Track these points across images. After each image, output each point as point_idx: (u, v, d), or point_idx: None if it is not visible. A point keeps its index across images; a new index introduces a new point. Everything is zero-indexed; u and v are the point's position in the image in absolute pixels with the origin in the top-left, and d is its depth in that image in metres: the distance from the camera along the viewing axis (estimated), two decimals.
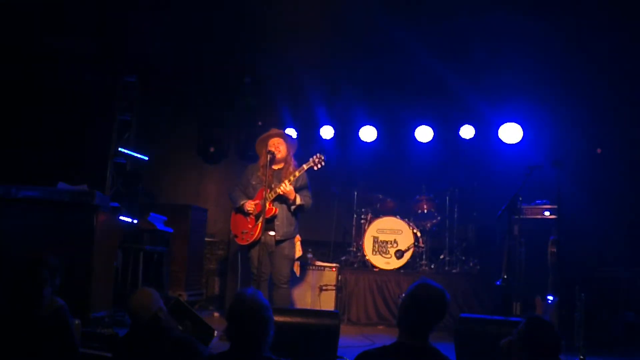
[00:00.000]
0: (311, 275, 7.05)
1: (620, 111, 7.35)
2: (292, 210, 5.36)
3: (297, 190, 5.30)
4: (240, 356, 2.63)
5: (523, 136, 7.78)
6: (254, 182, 5.46)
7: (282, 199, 5.29)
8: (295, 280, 6.84)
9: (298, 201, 5.29)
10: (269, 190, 5.21)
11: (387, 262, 7.18)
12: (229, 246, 8.10)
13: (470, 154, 8.06)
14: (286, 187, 5.17)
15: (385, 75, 7.84)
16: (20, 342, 3.17)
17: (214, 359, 2.75)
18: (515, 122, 7.79)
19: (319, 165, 5.22)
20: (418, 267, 7.28)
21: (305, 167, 5.25)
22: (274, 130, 5.49)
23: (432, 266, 7.36)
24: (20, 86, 7.83)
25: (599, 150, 7.44)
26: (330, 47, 7.08)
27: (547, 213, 6.23)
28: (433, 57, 7.06)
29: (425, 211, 7.54)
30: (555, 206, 6.03)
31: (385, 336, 5.86)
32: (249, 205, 5.34)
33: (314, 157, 5.24)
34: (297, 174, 5.25)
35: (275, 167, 5.42)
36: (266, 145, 5.39)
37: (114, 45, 7.27)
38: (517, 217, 5.53)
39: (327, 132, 8.30)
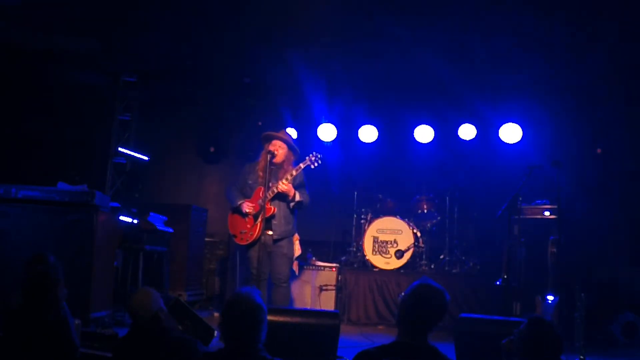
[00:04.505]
0: (311, 275, 7.05)
1: (620, 111, 7.35)
2: (290, 207, 5.37)
3: (294, 188, 5.31)
4: (234, 355, 2.64)
5: (523, 136, 7.78)
6: (250, 182, 5.47)
7: (280, 197, 5.30)
8: (295, 280, 6.84)
9: (297, 197, 5.31)
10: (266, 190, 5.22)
11: (387, 262, 7.17)
12: (229, 246, 8.10)
13: (470, 154, 8.06)
14: (284, 186, 5.18)
15: (386, 75, 7.83)
16: (25, 341, 3.18)
17: (209, 358, 2.76)
18: (515, 122, 7.79)
19: (316, 164, 5.23)
20: (418, 267, 7.28)
21: (302, 165, 5.27)
22: (282, 135, 5.48)
23: (432, 266, 7.35)
24: (20, 86, 7.84)
25: (599, 150, 7.45)
26: (331, 47, 7.08)
27: (547, 213, 6.23)
28: (433, 57, 7.05)
29: (425, 211, 7.54)
30: (555, 206, 6.02)
31: (385, 336, 5.86)
32: (247, 207, 5.34)
33: (310, 155, 5.25)
34: (294, 172, 5.27)
35: (272, 166, 5.41)
36: (269, 144, 5.40)
37: (114, 45, 7.26)
38: (517, 217, 5.53)
39: (327, 132, 8.30)
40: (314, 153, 5.25)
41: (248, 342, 2.63)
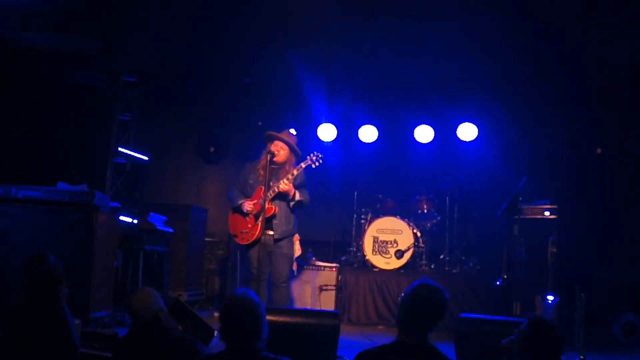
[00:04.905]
0: (311, 275, 7.05)
1: (620, 111, 7.35)
2: (291, 206, 5.37)
3: (295, 188, 5.31)
4: (237, 355, 2.63)
5: (522, 136, 7.78)
6: (251, 181, 5.47)
7: (281, 197, 5.30)
8: (295, 280, 6.84)
9: (297, 197, 5.30)
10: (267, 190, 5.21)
11: (387, 262, 7.17)
12: (229, 246, 8.10)
13: (470, 154, 8.05)
14: (285, 185, 5.18)
15: (386, 75, 7.83)
16: (25, 341, 3.18)
17: (211, 359, 2.76)
18: (515, 121, 7.78)
19: (317, 164, 5.23)
20: (418, 267, 7.28)
21: (303, 165, 5.26)
22: (284, 136, 5.46)
23: (432, 266, 7.35)
24: (20, 86, 7.84)
25: (599, 150, 7.45)
26: (331, 47, 7.08)
27: (547, 213, 6.23)
28: (433, 57, 7.06)
29: (425, 211, 7.54)
30: (555, 206, 6.03)
31: (385, 336, 5.86)
32: (248, 206, 5.34)
33: (311, 155, 5.24)
34: (295, 172, 5.26)
35: (273, 166, 5.41)
36: (271, 143, 5.39)
37: (114, 45, 7.26)
38: (517, 217, 5.53)
39: (327, 132, 8.30)
40: (315, 152, 5.24)
41: (249, 342, 2.63)
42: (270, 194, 5.23)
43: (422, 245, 7.35)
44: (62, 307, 3.34)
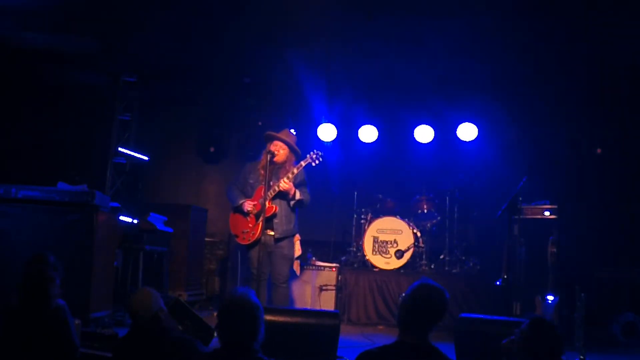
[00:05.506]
0: (311, 275, 7.05)
1: (620, 111, 7.35)
2: (291, 205, 5.37)
3: (295, 187, 5.32)
4: (231, 355, 2.63)
5: (522, 136, 7.78)
6: (251, 181, 5.47)
7: (281, 196, 5.30)
8: (295, 280, 6.84)
9: (297, 196, 5.30)
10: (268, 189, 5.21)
11: (387, 262, 7.17)
12: (229, 246, 8.11)
13: (470, 154, 8.05)
14: (285, 185, 5.18)
15: (386, 75, 7.83)
16: (25, 341, 3.18)
17: (206, 358, 2.76)
18: (515, 121, 7.78)
19: (317, 162, 5.23)
20: (418, 267, 7.28)
21: (303, 164, 5.27)
22: (283, 136, 5.46)
23: (432, 266, 7.35)
24: (20, 86, 7.84)
25: (599, 150, 7.45)
26: (331, 47, 7.08)
27: (547, 213, 6.23)
28: (433, 56, 7.05)
29: (425, 211, 7.54)
30: (555, 206, 6.04)
31: (385, 336, 5.86)
32: (249, 205, 5.34)
33: (311, 153, 5.24)
34: (295, 171, 5.27)
35: (273, 165, 5.41)
36: (270, 143, 5.39)
37: (114, 45, 7.26)
38: (517, 217, 5.53)
39: (327, 132, 8.29)
40: (315, 151, 5.24)
41: (246, 342, 2.63)
42: (271, 194, 5.23)
43: (422, 245, 7.35)
44: (60, 307, 3.34)
